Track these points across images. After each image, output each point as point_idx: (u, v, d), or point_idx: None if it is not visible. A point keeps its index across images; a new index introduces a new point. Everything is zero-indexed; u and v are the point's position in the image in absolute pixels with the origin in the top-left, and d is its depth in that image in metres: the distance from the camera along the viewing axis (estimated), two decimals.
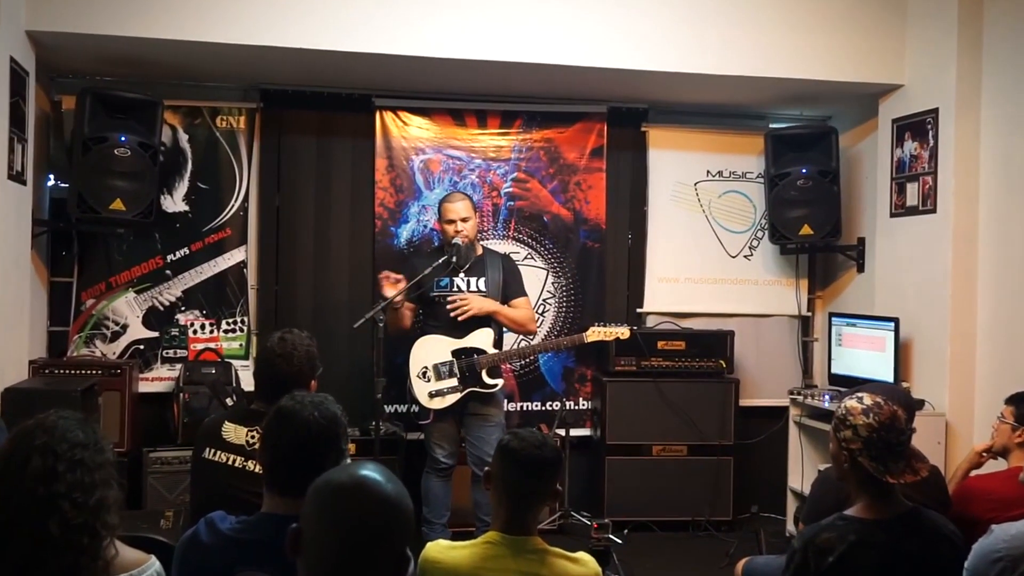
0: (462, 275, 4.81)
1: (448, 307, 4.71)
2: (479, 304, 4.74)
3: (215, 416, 3.12)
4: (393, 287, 4.57)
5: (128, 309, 5.32)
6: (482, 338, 4.78)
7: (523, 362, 5.69)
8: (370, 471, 1.63)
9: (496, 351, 4.81)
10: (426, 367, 4.75)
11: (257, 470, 2.69)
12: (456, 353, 4.76)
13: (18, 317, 4.55)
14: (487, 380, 4.76)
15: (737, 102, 5.76)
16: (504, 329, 4.92)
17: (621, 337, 5.06)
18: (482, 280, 4.82)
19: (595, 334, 4.99)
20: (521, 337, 5.33)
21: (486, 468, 2.53)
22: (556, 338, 5.62)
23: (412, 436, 5.16)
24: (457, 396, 4.74)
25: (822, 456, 5.40)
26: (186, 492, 4.53)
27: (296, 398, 2.20)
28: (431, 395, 4.74)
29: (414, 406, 4.92)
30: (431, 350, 4.77)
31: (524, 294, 4.98)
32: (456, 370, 4.74)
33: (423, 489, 4.83)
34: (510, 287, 4.91)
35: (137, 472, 4.86)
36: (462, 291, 4.79)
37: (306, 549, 1.58)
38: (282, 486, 2.10)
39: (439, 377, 4.75)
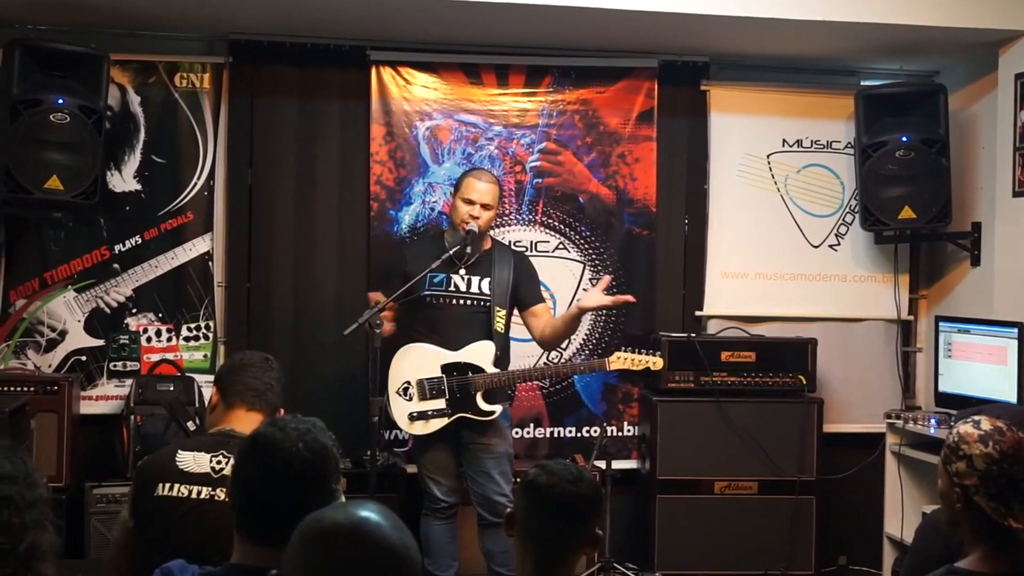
0: (462, 272, 4.81)
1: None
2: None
3: (163, 449, 3.10)
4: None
5: (67, 312, 5.36)
6: (480, 353, 4.75)
7: (553, 379, 5.68)
8: (370, 512, 1.62)
9: (496, 371, 4.77)
10: (408, 382, 4.75)
11: None
12: (447, 368, 4.74)
13: None
14: (482, 406, 4.72)
15: (821, 54, 5.73)
16: (510, 340, 4.94)
17: (652, 368, 4.94)
18: (486, 281, 4.81)
19: (620, 361, 4.91)
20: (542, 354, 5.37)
21: (508, 510, 2.53)
22: (571, 362, 5.61)
23: (414, 469, 5.16)
24: (444, 421, 4.73)
25: (927, 495, 5.37)
26: None
27: (278, 424, 2.21)
28: (412, 417, 4.73)
29: (395, 430, 4.93)
30: (417, 362, 4.76)
31: (543, 299, 4.99)
32: (444, 389, 4.73)
33: (422, 535, 4.83)
34: (525, 291, 4.91)
35: (78, 512, 4.89)
36: (460, 290, 4.80)
37: None
38: (255, 532, 2.10)
39: (423, 396, 4.73)
